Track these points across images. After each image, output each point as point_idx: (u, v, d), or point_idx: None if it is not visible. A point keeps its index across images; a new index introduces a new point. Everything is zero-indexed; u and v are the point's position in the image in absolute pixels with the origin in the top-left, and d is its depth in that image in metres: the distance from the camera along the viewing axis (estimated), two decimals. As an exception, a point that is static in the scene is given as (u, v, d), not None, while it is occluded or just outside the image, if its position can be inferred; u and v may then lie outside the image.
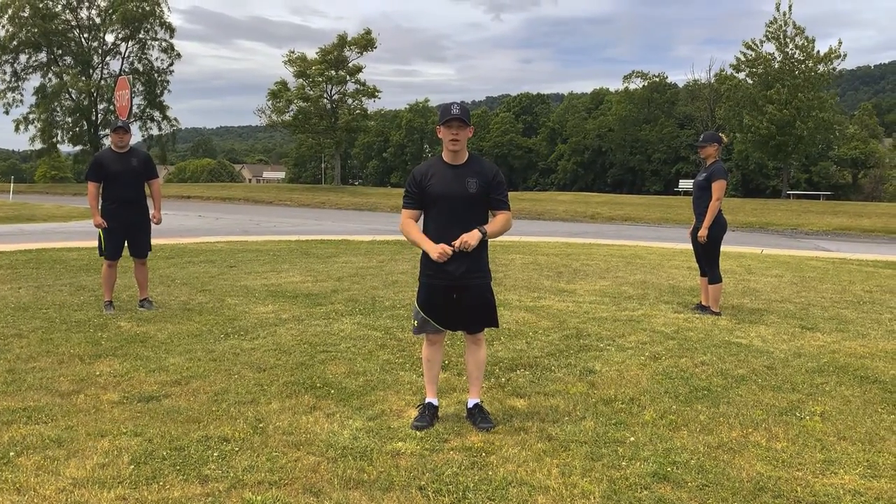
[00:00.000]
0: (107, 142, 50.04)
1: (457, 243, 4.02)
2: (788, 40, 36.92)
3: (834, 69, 37.00)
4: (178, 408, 4.42)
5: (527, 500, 3.28)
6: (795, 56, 37.01)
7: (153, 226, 7.52)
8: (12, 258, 11.30)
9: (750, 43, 37.84)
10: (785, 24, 36.90)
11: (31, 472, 3.48)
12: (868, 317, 7.54)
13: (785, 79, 36.44)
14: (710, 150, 7.44)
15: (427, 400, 4.30)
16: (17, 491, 3.30)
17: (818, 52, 36.68)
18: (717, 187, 7.26)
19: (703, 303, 7.61)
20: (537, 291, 8.71)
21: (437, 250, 4.01)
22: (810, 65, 36.75)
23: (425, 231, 4.16)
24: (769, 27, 37.29)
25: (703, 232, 7.30)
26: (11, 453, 3.70)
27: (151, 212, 7.51)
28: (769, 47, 37.64)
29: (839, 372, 5.36)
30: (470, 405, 4.29)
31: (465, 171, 4.13)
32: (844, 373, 5.34)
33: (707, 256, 7.49)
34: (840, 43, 36.51)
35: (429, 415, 4.21)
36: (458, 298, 4.15)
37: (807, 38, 36.70)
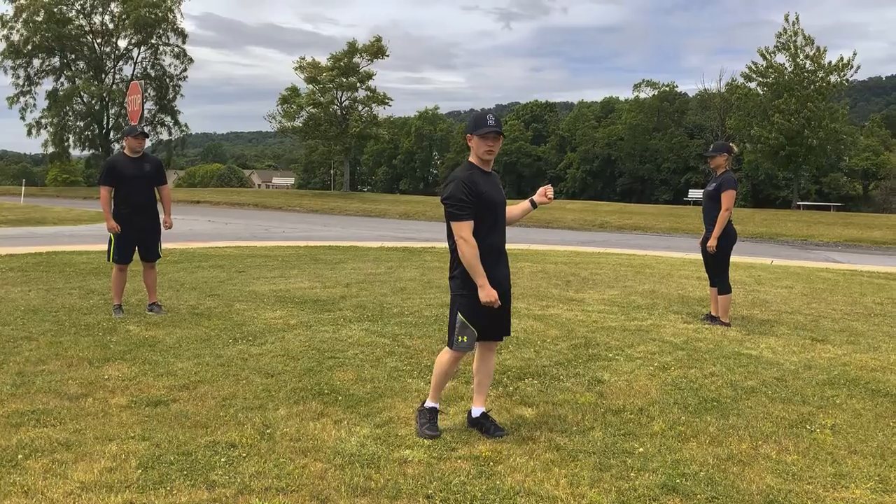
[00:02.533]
0: (117, 146, 50.38)
1: (549, 193, 4.35)
2: (799, 50, 36.88)
3: (847, 80, 36.87)
4: (186, 412, 4.42)
5: (534, 511, 3.25)
6: (806, 66, 36.95)
7: (163, 230, 7.55)
8: (23, 261, 11.36)
9: (763, 51, 37.81)
10: (794, 35, 36.88)
11: (38, 475, 3.49)
12: (879, 329, 7.48)
13: (794, 89, 36.36)
14: (720, 161, 7.41)
15: (434, 405, 4.24)
16: (24, 494, 3.30)
17: (829, 62, 36.61)
18: (727, 197, 7.23)
19: (713, 313, 7.57)
20: (546, 300, 8.69)
21: (491, 296, 3.93)
22: (821, 75, 36.68)
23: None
24: (779, 37, 37.28)
25: (712, 242, 7.28)
26: (20, 456, 3.70)
27: (162, 217, 7.55)
28: (780, 58, 37.64)
29: (850, 385, 5.32)
30: (476, 414, 4.27)
31: (496, 178, 4.22)
32: (855, 385, 5.30)
33: (716, 267, 7.46)
34: (855, 54, 36.43)
35: (436, 421, 4.20)
36: (503, 305, 4.13)
37: (817, 48, 36.65)
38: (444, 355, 4.21)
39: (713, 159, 7.47)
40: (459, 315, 4.07)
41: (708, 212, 7.44)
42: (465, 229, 3.96)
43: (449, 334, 4.18)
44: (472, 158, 4.15)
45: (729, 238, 7.37)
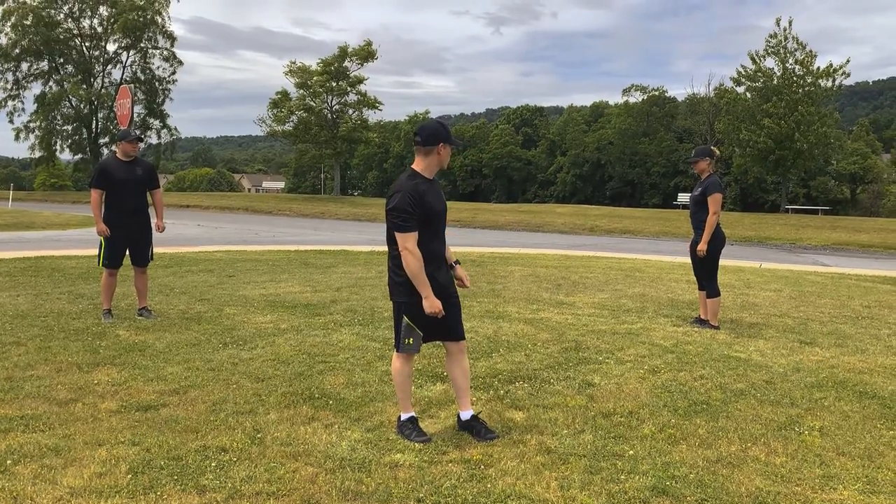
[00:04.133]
0: (106, 150, 50.14)
1: (467, 283, 4.41)
2: (789, 55, 37.13)
3: (838, 86, 37.16)
4: (176, 417, 4.41)
5: (525, 514, 3.26)
6: (796, 71, 37.20)
7: (154, 234, 7.53)
8: (11, 266, 11.29)
9: (753, 55, 38.03)
10: (785, 40, 37.12)
11: (28, 481, 3.47)
12: (867, 332, 7.54)
13: (783, 93, 36.60)
14: (703, 165, 7.46)
15: (410, 415, 4.25)
16: (13, 499, 3.29)
17: (818, 67, 36.88)
18: (713, 201, 7.27)
19: (702, 316, 7.61)
20: (536, 304, 8.71)
21: (436, 307, 4.00)
22: (810, 80, 36.94)
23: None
24: (769, 41, 37.53)
25: (702, 246, 7.32)
26: (8, 461, 3.69)
27: (154, 221, 7.53)
28: (769, 62, 37.88)
29: (838, 387, 5.36)
30: (466, 417, 4.27)
31: (438, 186, 4.28)
32: (843, 388, 5.34)
33: (705, 270, 7.49)
34: (848, 61, 36.66)
35: (419, 427, 4.21)
36: (447, 307, 4.16)
37: (809, 52, 36.89)
38: (396, 361, 4.26)
39: (696, 164, 7.52)
40: (405, 318, 4.13)
41: (695, 216, 7.49)
42: (410, 240, 4.02)
43: (395, 338, 4.24)
44: (418, 166, 4.17)
45: (718, 241, 7.41)
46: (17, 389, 4.88)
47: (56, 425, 4.23)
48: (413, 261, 4.00)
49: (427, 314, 4.03)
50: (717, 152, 7.73)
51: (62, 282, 9.71)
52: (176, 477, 3.55)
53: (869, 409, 4.88)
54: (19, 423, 4.24)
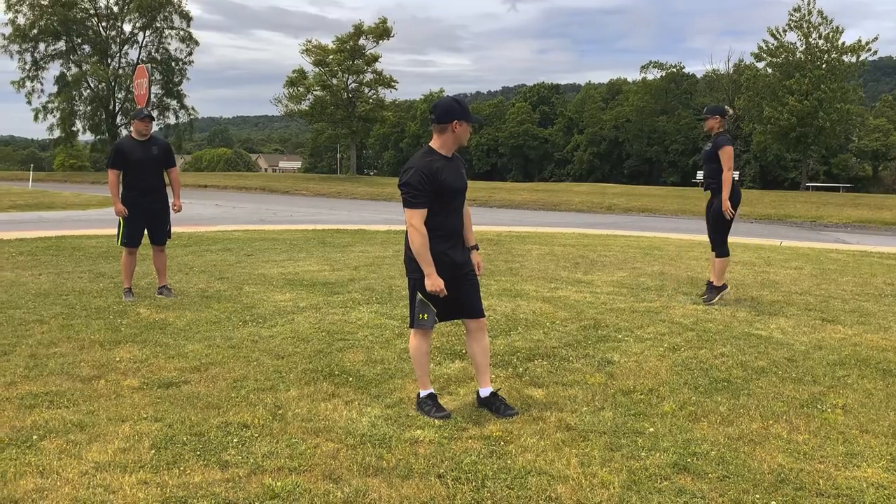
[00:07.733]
0: (124, 131, 50.39)
1: (480, 269, 4.34)
2: (812, 29, 36.43)
3: (863, 62, 36.48)
4: (198, 394, 4.45)
5: (546, 490, 3.27)
6: (819, 46, 36.51)
7: (172, 213, 7.57)
8: (32, 245, 11.41)
9: (774, 30, 37.37)
10: (809, 14, 36.41)
11: (53, 456, 3.52)
12: (890, 310, 7.45)
13: (807, 69, 35.97)
14: (713, 123, 7.43)
15: (429, 391, 4.26)
16: (40, 474, 3.33)
17: (843, 42, 36.17)
18: (725, 155, 7.21)
19: (711, 278, 7.57)
20: (554, 282, 8.68)
21: (437, 285, 3.98)
22: (834, 55, 36.25)
23: (430, 225, 4.03)
24: (793, 15, 36.83)
25: (725, 205, 7.23)
26: (34, 437, 3.74)
27: (171, 200, 7.55)
28: (791, 36, 37.21)
29: (861, 365, 5.31)
30: (486, 394, 4.27)
31: (458, 162, 4.23)
32: (866, 366, 5.29)
33: (718, 228, 7.44)
34: (876, 38, 35.88)
35: (439, 403, 4.22)
36: (460, 286, 4.16)
37: (834, 28, 36.18)
38: (413, 339, 4.25)
39: (706, 121, 7.49)
40: (419, 294, 4.11)
41: (710, 174, 7.45)
42: (416, 217, 4.00)
43: (410, 314, 4.24)
44: (435, 144, 4.15)
45: (734, 199, 7.33)
46: (41, 366, 4.94)
47: (80, 401, 4.29)
48: (418, 237, 3.99)
49: (429, 292, 4.02)
50: (731, 111, 7.67)
51: (83, 261, 9.80)
52: (198, 452, 3.58)
53: (893, 386, 4.83)
54: (44, 399, 4.30)
